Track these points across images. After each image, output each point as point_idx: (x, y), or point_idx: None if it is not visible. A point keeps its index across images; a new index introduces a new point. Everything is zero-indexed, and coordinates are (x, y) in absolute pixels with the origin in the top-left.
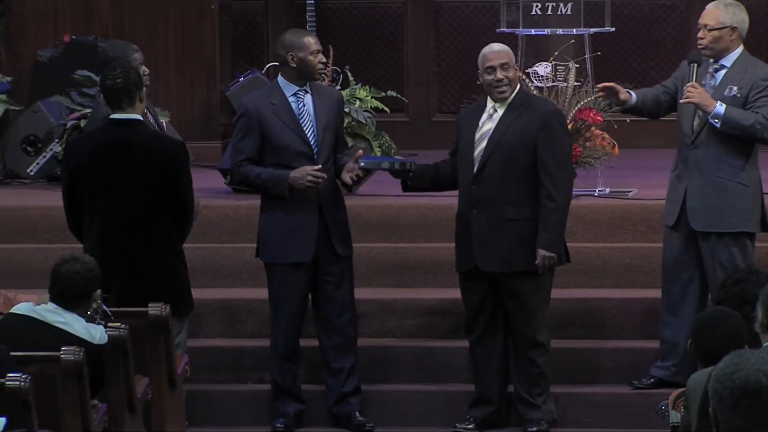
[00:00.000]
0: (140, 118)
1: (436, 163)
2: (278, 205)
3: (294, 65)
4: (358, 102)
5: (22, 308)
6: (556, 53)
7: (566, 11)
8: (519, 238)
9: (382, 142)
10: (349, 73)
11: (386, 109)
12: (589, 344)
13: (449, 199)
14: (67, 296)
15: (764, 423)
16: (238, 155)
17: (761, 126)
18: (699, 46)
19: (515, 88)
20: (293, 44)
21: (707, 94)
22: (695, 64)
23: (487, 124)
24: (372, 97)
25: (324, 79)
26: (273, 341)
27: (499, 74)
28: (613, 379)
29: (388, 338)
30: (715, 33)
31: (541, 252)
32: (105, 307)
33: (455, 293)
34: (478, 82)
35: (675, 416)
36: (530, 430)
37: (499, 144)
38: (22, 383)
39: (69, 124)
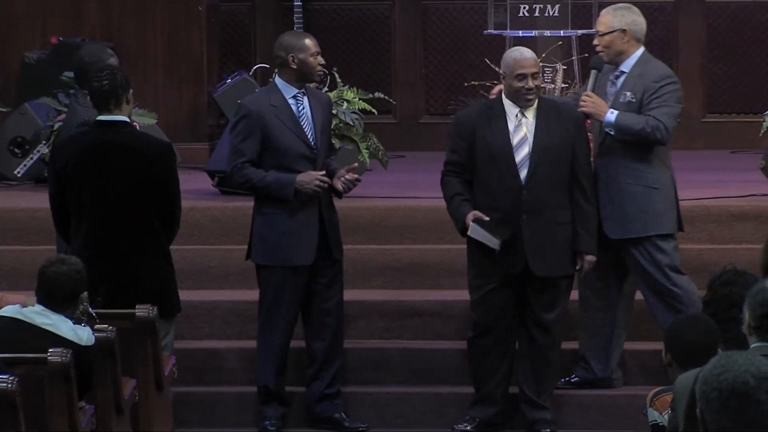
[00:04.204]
0: (127, 119)
1: (464, 198)
2: (278, 208)
3: (294, 67)
4: (345, 104)
5: (8, 311)
6: (543, 55)
7: (554, 13)
8: (565, 241)
9: (369, 143)
10: (336, 75)
11: (374, 110)
12: (576, 346)
13: (436, 201)
14: (54, 298)
15: (752, 424)
16: (239, 157)
17: (652, 128)
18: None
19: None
20: (293, 46)
21: (602, 103)
22: (596, 71)
23: (520, 130)
24: (359, 99)
25: (325, 82)
26: (267, 346)
27: (531, 83)
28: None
29: (376, 340)
30: (606, 38)
31: (588, 257)
32: (91, 309)
33: (443, 294)
34: (466, 84)
35: (653, 414)
36: (544, 430)
37: (546, 149)
38: (10, 385)
39: (56, 125)
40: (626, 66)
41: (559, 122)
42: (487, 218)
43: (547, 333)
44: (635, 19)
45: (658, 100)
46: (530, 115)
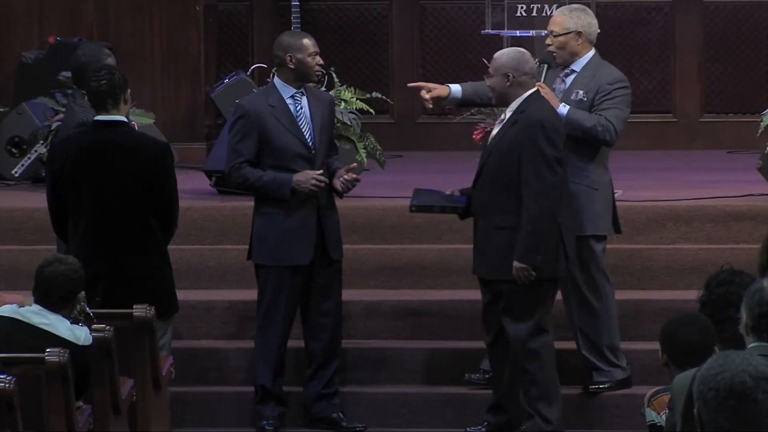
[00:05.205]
0: (125, 119)
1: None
2: (277, 208)
3: (292, 66)
4: (343, 103)
5: (5, 310)
6: None
7: (551, 13)
8: (506, 246)
9: (367, 143)
10: (334, 75)
11: (371, 110)
12: (574, 345)
13: None
14: (51, 298)
15: (749, 424)
16: (237, 157)
17: (602, 128)
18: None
19: (511, 96)
20: (291, 45)
21: (553, 96)
22: (545, 65)
23: (495, 129)
24: (357, 99)
25: (323, 82)
26: (265, 346)
27: (487, 81)
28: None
29: (374, 339)
30: (561, 39)
31: (515, 263)
32: (88, 309)
33: (441, 294)
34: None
35: (650, 414)
36: None
37: (493, 152)
38: (7, 385)
39: (54, 125)
40: (577, 66)
41: (518, 127)
42: (449, 192)
43: (514, 340)
44: (590, 21)
45: (610, 102)
46: (507, 116)
